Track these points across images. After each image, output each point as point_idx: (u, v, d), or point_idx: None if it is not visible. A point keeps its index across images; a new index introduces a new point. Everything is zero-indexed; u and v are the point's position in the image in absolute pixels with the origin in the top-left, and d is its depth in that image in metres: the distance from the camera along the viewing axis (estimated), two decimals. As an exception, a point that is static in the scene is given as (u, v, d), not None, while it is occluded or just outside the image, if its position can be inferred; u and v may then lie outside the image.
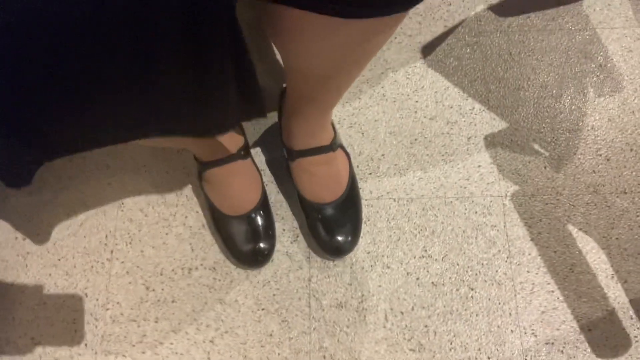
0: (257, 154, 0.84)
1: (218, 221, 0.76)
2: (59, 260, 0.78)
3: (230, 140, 0.73)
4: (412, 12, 0.94)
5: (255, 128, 0.86)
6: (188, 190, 0.82)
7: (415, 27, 0.93)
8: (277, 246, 0.78)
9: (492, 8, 0.95)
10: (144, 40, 0.33)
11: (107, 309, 0.75)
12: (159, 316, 0.75)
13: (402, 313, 0.75)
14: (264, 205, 0.76)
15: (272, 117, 0.86)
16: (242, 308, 0.75)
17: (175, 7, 0.31)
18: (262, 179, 0.78)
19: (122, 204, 0.82)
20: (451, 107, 0.87)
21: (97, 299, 0.76)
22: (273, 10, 0.44)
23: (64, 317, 0.75)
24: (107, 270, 0.77)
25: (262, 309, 0.75)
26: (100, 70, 0.34)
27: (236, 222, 0.74)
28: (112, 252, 0.78)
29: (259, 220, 0.75)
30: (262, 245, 0.74)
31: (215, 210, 0.75)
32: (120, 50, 0.34)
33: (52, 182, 0.83)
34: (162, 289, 0.76)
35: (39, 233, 0.80)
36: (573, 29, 0.92)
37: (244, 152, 0.74)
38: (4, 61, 0.31)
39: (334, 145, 0.73)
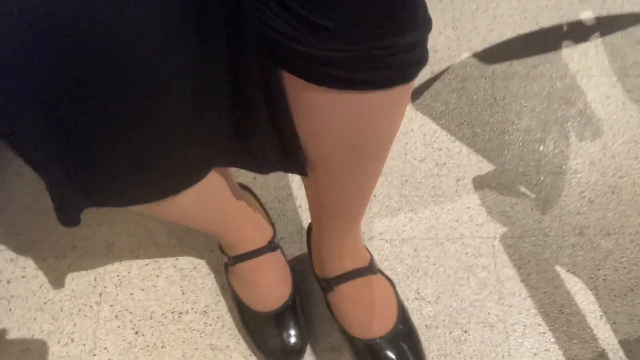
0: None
1: (246, 318, 0.72)
2: (45, 303, 0.76)
3: (260, 231, 0.71)
4: (400, 58, 0.97)
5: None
6: (179, 231, 0.81)
7: (403, 72, 0.96)
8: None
9: (477, 55, 0.99)
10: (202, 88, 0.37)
11: (95, 355, 0.73)
12: (148, 362, 0.73)
13: (396, 356, 0.74)
14: (294, 300, 0.72)
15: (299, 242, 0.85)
16: (233, 354, 0.74)
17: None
18: (291, 272, 0.74)
19: (112, 245, 0.80)
20: (440, 150, 0.90)
21: (84, 345, 0.74)
22: None
23: (49, 364, 0.73)
24: (95, 313, 0.76)
25: (255, 355, 0.74)
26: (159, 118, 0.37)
27: (266, 319, 0.70)
28: (100, 294, 0.77)
29: (290, 316, 0.70)
30: (293, 342, 0.69)
31: (243, 306, 0.72)
32: (179, 98, 0.37)
33: (40, 223, 0.81)
34: (152, 334, 0.75)
35: (24, 275, 0.78)
36: (554, 76, 0.96)
37: (273, 244, 0.71)
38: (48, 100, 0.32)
39: (373, 267, 0.69)
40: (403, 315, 0.71)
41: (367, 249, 0.72)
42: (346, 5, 0.33)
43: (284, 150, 0.47)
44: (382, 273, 0.72)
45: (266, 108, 0.42)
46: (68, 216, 0.44)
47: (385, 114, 0.44)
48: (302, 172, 0.50)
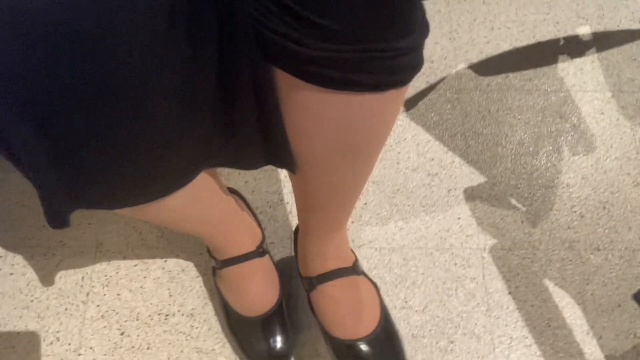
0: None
1: (232, 322, 0.72)
2: (32, 301, 0.76)
3: (249, 235, 0.70)
4: (396, 67, 0.98)
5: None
6: (169, 232, 0.81)
7: (399, 81, 0.96)
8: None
9: (472, 67, 0.99)
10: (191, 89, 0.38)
11: (80, 354, 0.73)
12: (132, 363, 0.73)
13: (381, 365, 0.74)
14: (281, 306, 0.72)
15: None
16: (219, 357, 0.74)
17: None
18: (279, 278, 0.74)
19: (101, 244, 0.80)
20: (432, 160, 0.90)
21: (70, 344, 0.73)
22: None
23: (33, 362, 0.72)
24: (81, 313, 0.75)
25: (240, 359, 0.74)
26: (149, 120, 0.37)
27: (252, 324, 0.70)
28: (87, 294, 0.77)
29: (276, 322, 0.71)
30: (279, 348, 0.70)
31: (230, 310, 0.71)
32: (168, 97, 0.37)
33: (30, 220, 0.81)
34: (138, 335, 0.74)
35: (12, 272, 0.78)
36: (549, 90, 0.97)
37: (262, 249, 0.71)
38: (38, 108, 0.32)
39: (357, 268, 0.69)
40: (386, 318, 0.70)
41: (352, 251, 0.72)
42: (346, 6, 0.33)
43: (272, 149, 0.47)
44: (366, 276, 0.71)
45: (256, 106, 0.42)
46: (57, 218, 0.44)
47: (377, 116, 0.44)
48: (291, 168, 0.50)
